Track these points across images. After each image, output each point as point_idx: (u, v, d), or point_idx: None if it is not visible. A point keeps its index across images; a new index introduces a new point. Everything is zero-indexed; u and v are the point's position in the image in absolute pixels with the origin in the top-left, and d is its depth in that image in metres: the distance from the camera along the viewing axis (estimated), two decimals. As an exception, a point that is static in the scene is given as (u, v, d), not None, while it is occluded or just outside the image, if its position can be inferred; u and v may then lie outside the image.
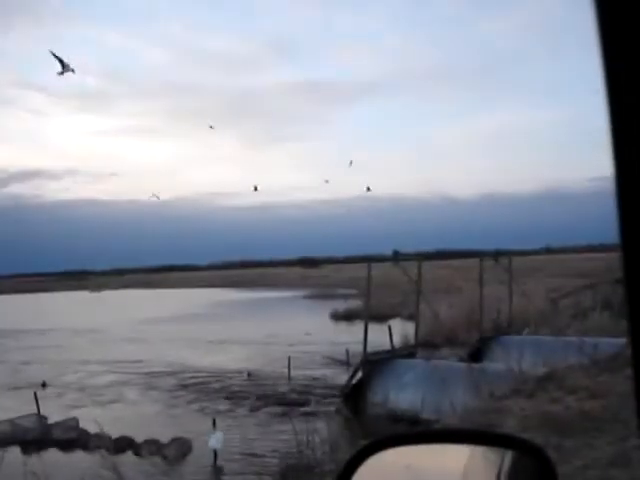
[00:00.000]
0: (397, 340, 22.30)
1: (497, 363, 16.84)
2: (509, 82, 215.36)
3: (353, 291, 55.66)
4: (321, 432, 11.84)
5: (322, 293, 69.13)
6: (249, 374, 25.09)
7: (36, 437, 17.62)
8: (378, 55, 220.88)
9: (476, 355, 21.68)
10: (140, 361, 29.42)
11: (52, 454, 16.72)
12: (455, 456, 1.79)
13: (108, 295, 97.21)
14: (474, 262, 26.61)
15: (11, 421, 18.26)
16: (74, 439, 17.31)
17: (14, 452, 16.10)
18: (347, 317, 42.57)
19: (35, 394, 19.58)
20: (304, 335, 35.17)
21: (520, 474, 1.77)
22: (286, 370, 23.84)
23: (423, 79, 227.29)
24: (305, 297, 69.08)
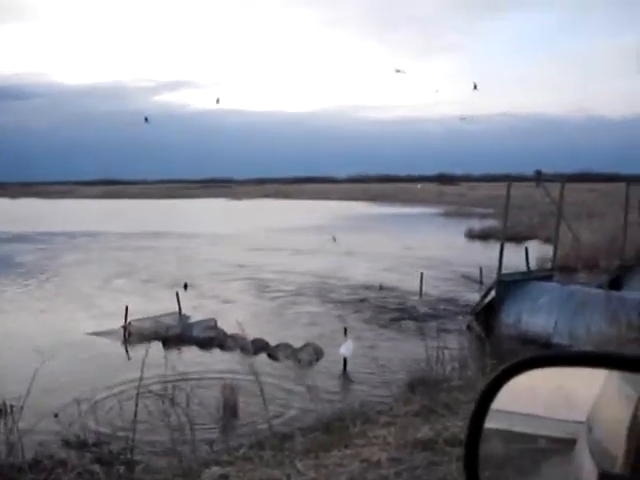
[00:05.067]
0: (534, 262, 21.85)
1: (638, 292, 16.28)
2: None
3: (490, 210, 54.71)
4: (451, 348, 11.89)
5: (458, 211, 68.28)
6: (381, 287, 25.40)
7: (177, 334, 18.64)
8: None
9: (616, 283, 20.95)
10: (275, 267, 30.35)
11: (192, 351, 17.67)
12: (590, 380, 1.75)
13: (248, 204, 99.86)
14: (621, 187, 25.44)
15: (155, 318, 19.37)
16: (212, 338, 18.19)
17: (157, 347, 17.09)
18: (482, 236, 42.02)
19: (177, 294, 20.57)
20: (437, 251, 35.07)
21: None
22: (417, 285, 23.91)
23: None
24: (441, 214, 68.47)
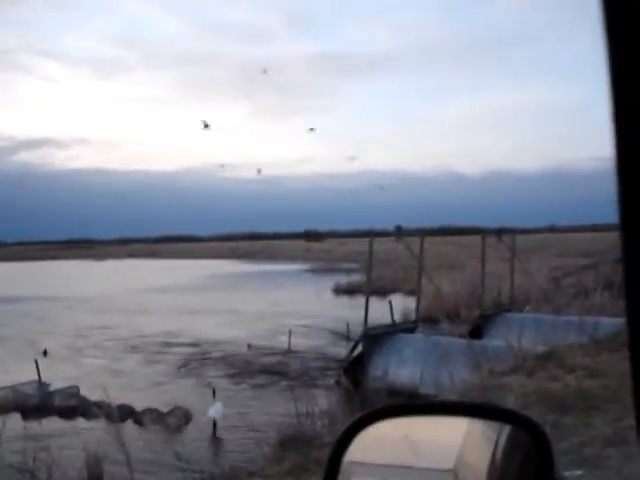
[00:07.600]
0: (398, 315, 22.35)
1: (497, 340, 16.91)
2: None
3: (356, 265, 55.70)
4: (321, 404, 11.91)
5: (325, 267, 69.17)
6: (249, 345, 25.17)
7: (37, 404, 17.73)
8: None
9: (477, 332, 21.74)
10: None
11: (53, 421, 16.85)
12: (452, 429, 1.80)
13: (112, 264, 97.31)
14: (477, 239, 26.63)
15: (12, 387, 18.36)
16: (75, 406, 17.42)
17: (15, 418, 16.20)
18: (349, 291, 42.64)
19: (36, 361, 19.63)
20: (305, 307, 35.26)
21: (516, 449, 1.77)
22: (285, 341, 23.91)
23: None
24: (308, 270, 69.10)
